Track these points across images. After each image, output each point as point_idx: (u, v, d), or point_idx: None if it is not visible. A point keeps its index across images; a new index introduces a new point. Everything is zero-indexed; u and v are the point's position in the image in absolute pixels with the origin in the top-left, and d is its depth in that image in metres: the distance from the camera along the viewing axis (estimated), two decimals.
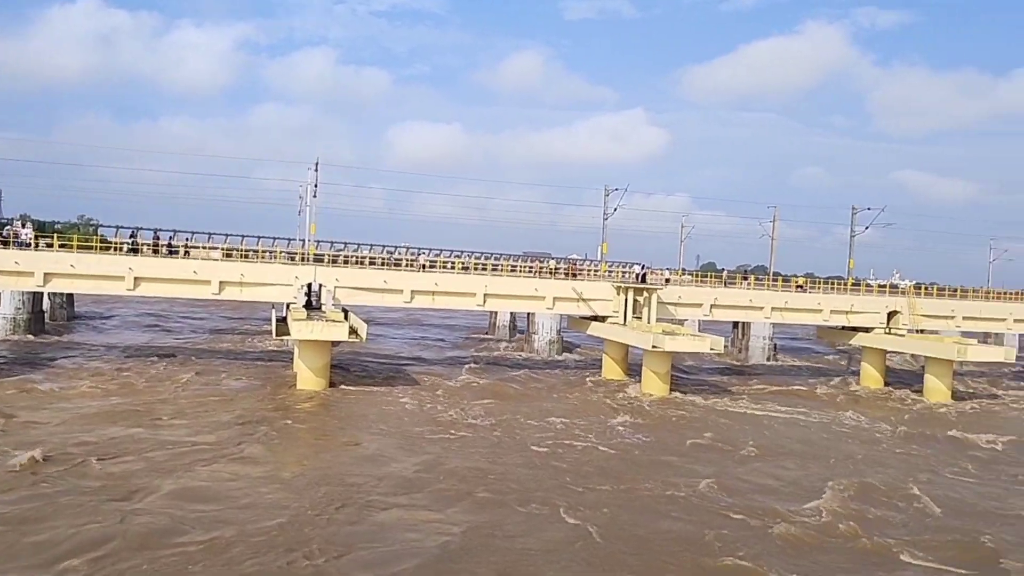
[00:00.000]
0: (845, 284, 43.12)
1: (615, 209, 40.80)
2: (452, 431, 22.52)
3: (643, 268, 40.13)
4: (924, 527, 15.88)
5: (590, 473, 18.59)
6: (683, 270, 48.81)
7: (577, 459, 19.93)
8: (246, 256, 35.18)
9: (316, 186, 35.28)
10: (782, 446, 22.99)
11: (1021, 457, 22.97)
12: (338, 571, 12.19)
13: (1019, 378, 43.58)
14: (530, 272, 40.30)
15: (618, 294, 35.35)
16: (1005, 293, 46.44)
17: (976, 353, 35.34)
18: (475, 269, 39.97)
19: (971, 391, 37.44)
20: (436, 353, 43.46)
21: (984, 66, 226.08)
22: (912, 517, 16.60)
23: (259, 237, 46.65)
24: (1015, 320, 42.04)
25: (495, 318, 55.47)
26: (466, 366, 36.85)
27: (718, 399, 30.73)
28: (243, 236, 47.57)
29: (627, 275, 41.35)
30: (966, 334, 42.35)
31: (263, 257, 36.66)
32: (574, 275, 39.02)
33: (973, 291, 45.14)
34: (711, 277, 43.57)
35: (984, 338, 47.02)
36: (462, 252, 55.71)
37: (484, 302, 34.56)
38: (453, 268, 39.48)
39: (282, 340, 36.04)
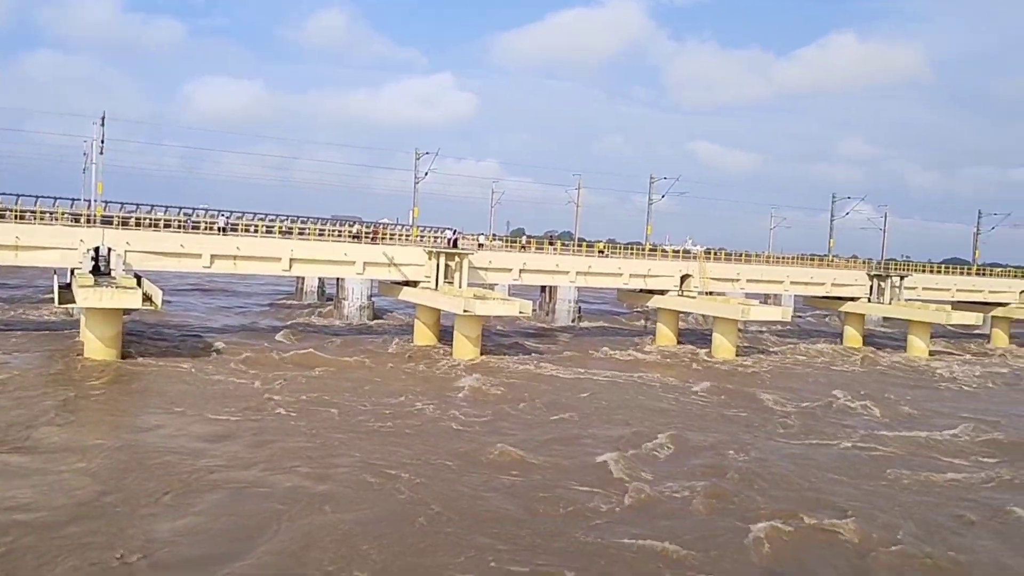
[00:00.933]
0: (643, 249, 49.71)
1: (426, 174, 43.80)
2: (260, 406, 23.17)
3: (455, 233, 43.76)
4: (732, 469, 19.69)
5: (406, 441, 20.32)
6: (494, 235, 53.37)
7: (398, 428, 21.65)
8: (22, 217, 33.82)
9: (103, 142, 34.89)
10: (581, 404, 26.33)
11: (795, 404, 29.16)
12: (153, 568, 11.92)
13: (795, 335, 52.87)
14: (339, 236, 42.71)
15: (430, 259, 37.72)
16: (783, 257, 55.40)
17: (758, 313, 42.48)
18: (280, 233, 41.46)
19: (754, 348, 45.17)
20: (240, 320, 43.68)
21: (768, 46, 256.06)
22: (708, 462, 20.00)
23: (37, 197, 44.72)
24: (792, 282, 50.44)
25: (303, 284, 56.73)
26: (273, 334, 37.69)
27: (528, 362, 33.97)
28: (17, 196, 45.30)
29: (439, 240, 44.95)
30: (750, 295, 50.53)
31: (42, 218, 35.55)
32: (375, 238, 41.08)
33: (756, 256, 53.65)
34: (518, 243, 48.49)
35: (765, 299, 55.93)
36: (266, 215, 56.35)
37: (290, 267, 35.63)
38: (256, 232, 40.72)
39: (67, 309, 35.73)
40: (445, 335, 37.88)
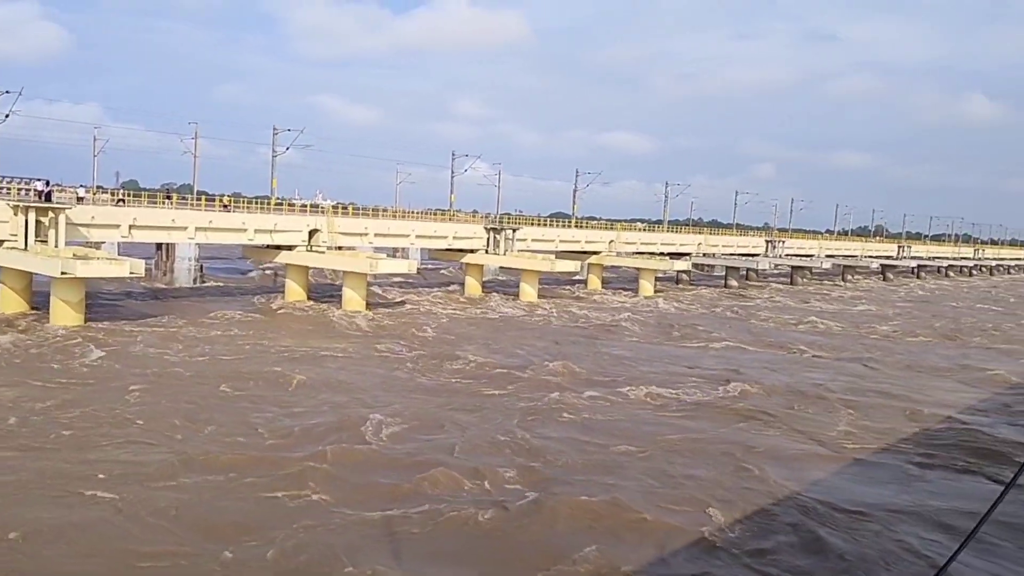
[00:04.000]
0: (270, 203, 51.16)
1: (7, 116, 40.26)
2: None
3: (47, 185, 40.78)
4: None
5: None
6: (98, 188, 50.35)
7: None
8: None
9: None
10: (178, 372, 27.58)
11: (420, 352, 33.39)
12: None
13: (421, 285, 58.68)
14: None
15: (16, 215, 34.90)
16: (410, 212, 60.88)
17: (386, 266, 46.26)
18: None
19: (385, 300, 49.39)
20: None
21: (384, 2, 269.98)
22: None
23: None
24: (417, 236, 55.63)
25: None
26: None
27: (144, 328, 33.28)
28: None
29: (27, 193, 41.54)
30: (379, 249, 54.87)
31: None
32: None
33: (383, 210, 58.22)
34: (126, 196, 46.63)
35: (393, 253, 61.00)
36: None
37: None
38: None
39: None
40: (42, 301, 35.81)
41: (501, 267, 61.86)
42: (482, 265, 57.18)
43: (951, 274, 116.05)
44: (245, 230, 44.53)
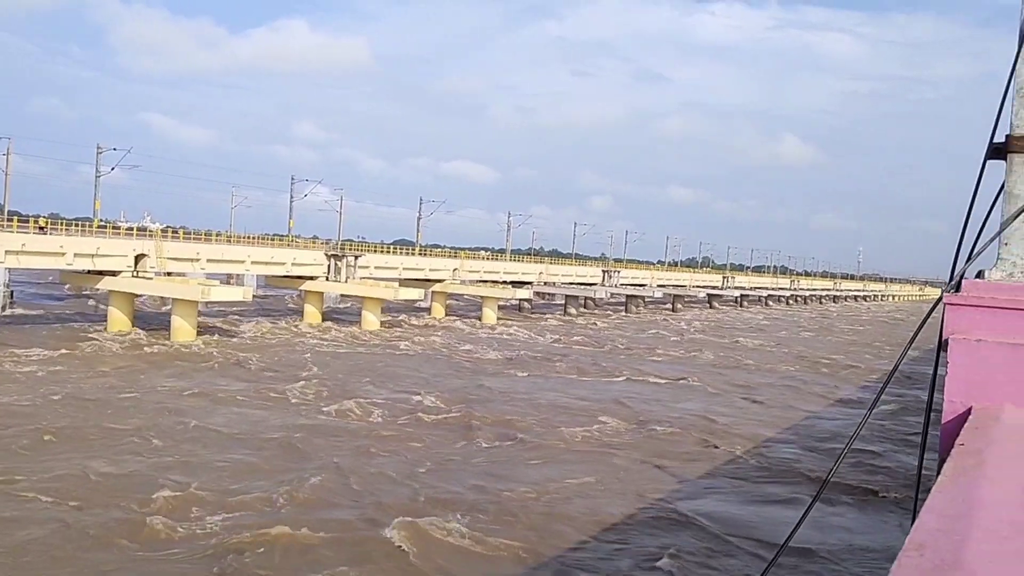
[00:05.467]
0: (92, 226, 48.59)
1: None
2: None
3: None
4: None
5: None
6: None
7: None
8: None
9: None
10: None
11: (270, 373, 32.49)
12: None
13: (257, 314, 57.28)
14: None
15: None
16: (245, 237, 59.58)
17: (219, 293, 45.09)
18: None
19: (216, 328, 47.83)
20: None
21: (220, 20, 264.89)
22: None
23: None
24: (253, 262, 54.54)
25: None
26: None
27: None
28: None
29: None
30: (212, 276, 53.16)
31: None
32: None
33: (217, 235, 56.64)
34: None
35: (228, 279, 59.38)
36: None
37: None
38: None
39: None
40: None
41: (343, 295, 61.44)
42: (322, 293, 56.60)
43: (770, 303, 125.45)
44: (63, 254, 42.05)
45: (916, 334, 3.84)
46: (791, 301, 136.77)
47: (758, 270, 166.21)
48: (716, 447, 23.69)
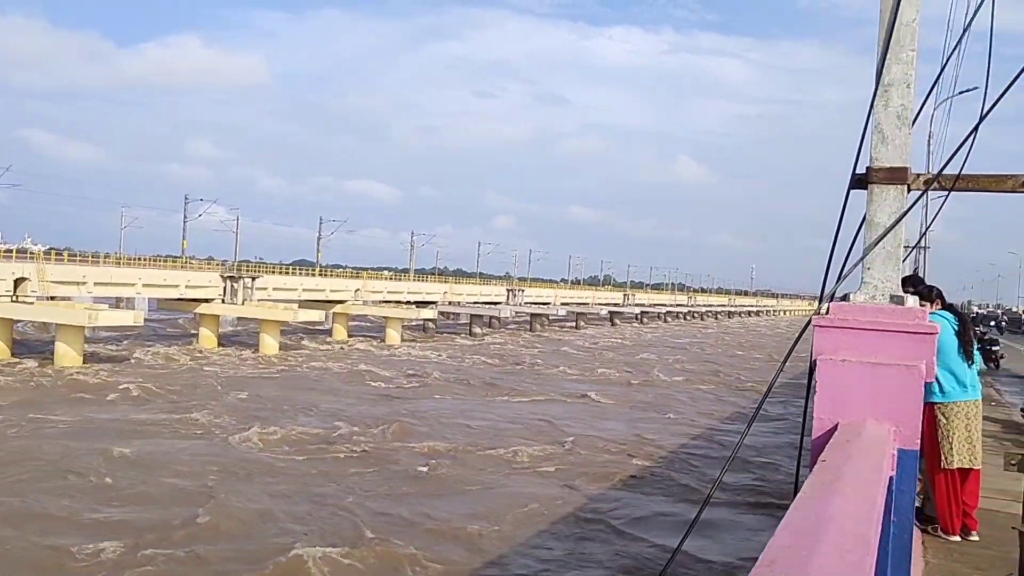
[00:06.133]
0: None
1: None
2: None
3: None
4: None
5: None
6: None
7: None
8: None
9: None
10: None
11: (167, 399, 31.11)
12: None
13: (149, 339, 55.18)
14: None
15: None
16: (136, 259, 57.35)
17: (107, 318, 43.25)
18: None
19: (104, 355, 45.80)
20: None
21: (107, 33, 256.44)
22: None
23: None
24: (145, 285, 52.52)
25: None
26: None
27: None
28: None
29: None
30: (100, 299, 50.94)
31: None
32: None
33: (105, 256, 54.31)
34: None
35: (117, 303, 56.97)
36: None
37: None
38: None
39: None
40: None
41: (239, 317, 59.84)
42: (218, 316, 54.99)
43: (669, 319, 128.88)
44: None
45: (788, 354, 4.07)
46: (689, 317, 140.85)
47: (657, 287, 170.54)
48: (649, 464, 23.92)
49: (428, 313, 67.74)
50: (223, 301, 54.26)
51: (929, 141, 40.25)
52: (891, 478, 3.21)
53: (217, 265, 61.20)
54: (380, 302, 67.38)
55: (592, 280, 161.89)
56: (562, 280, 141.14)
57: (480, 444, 25.35)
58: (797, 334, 4.06)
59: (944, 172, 4.11)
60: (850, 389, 3.45)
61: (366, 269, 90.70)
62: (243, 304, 54.40)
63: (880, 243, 3.92)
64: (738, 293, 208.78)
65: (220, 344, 53.10)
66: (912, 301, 3.87)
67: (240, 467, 21.59)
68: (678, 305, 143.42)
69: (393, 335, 62.79)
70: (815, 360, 3.60)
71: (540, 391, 39.30)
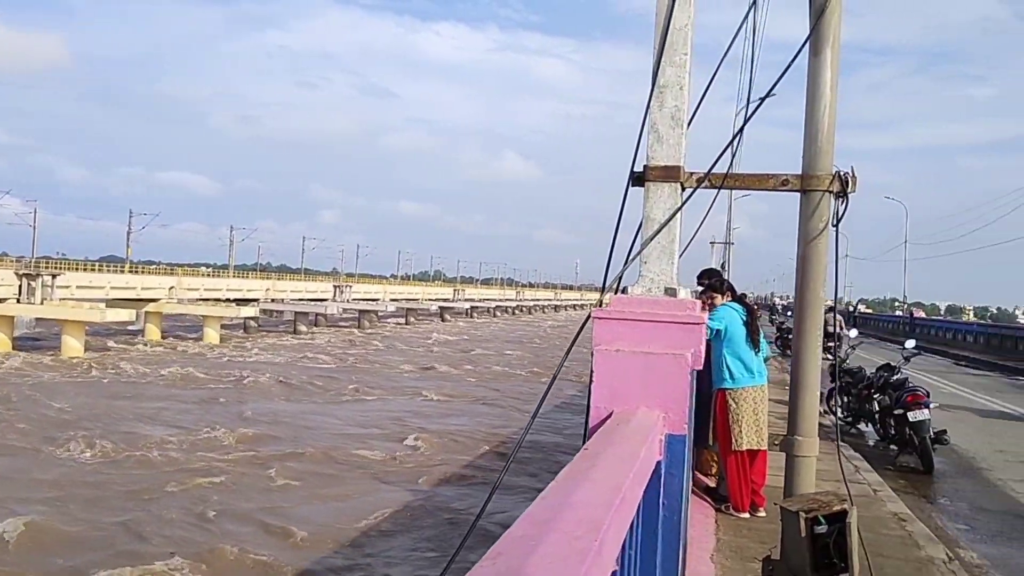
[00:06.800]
0: None
1: None
2: None
3: None
4: None
5: None
6: None
7: None
8: None
9: None
10: None
11: None
12: None
13: None
14: None
15: None
16: None
17: None
18: None
19: None
20: None
21: None
22: None
23: None
24: None
25: None
26: None
27: None
28: None
29: None
30: None
31: None
32: None
33: None
34: None
35: None
36: None
37: None
38: None
39: None
40: None
41: (38, 318, 55.11)
42: (13, 317, 50.41)
43: (498, 314, 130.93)
44: None
45: (572, 345, 4.18)
46: (517, 311, 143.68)
47: (487, 282, 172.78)
48: (494, 456, 23.81)
49: (249, 311, 65.15)
50: (19, 301, 49.81)
51: (733, 144, 43.11)
52: (659, 463, 3.35)
53: (12, 262, 55.91)
54: (197, 300, 64.15)
55: (422, 275, 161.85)
56: (391, 276, 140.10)
57: (318, 445, 24.48)
58: (578, 327, 4.18)
59: (714, 172, 4.35)
60: (624, 378, 3.57)
61: (182, 265, 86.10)
62: (42, 304, 50.17)
63: (655, 238, 4.10)
64: (564, 287, 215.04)
65: (15, 348, 48.70)
66: (684, 293, 4.08)
67: (51, 481, 19.91)
68: (507, 300, 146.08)
69: (212, 334, 59.87)
70: (593, 351, 3.71)
71: (375, 389, 38.50)
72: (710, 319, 8.57)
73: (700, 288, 9.22)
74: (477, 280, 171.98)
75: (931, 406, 13.34)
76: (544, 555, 1.62)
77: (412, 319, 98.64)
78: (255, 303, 69.67)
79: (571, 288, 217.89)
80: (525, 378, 46.03)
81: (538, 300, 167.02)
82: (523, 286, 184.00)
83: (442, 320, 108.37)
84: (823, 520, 3.78)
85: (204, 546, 15.09)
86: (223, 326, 62.79)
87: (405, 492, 19.93)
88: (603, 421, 3.46)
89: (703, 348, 3.85)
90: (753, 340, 8.73)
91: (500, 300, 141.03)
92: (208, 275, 78.59)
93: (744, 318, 8.76)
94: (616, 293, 4.25)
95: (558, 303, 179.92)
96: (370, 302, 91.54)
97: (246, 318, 67.18)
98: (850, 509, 3.82)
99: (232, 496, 19.02)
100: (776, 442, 7.01)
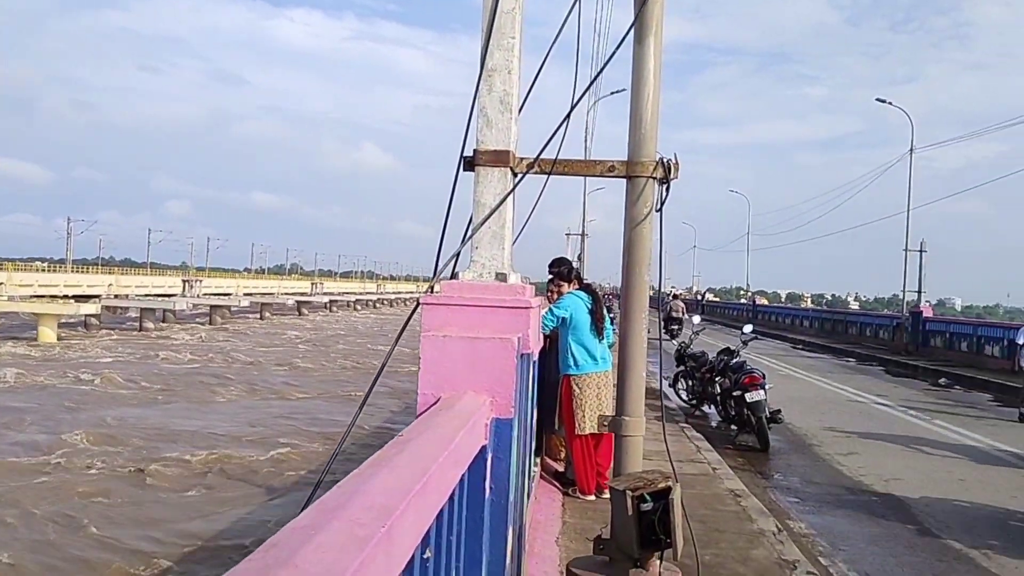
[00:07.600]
0: None
1: None
2: None
3: None
4: None
5: None
6: None
7: None
8: None
9: None
10: None
11: None
12: None
13: None
14: None
15: None
16: None
17: None
18: None
19: None
20: None
21: None
22: None
23: None
24: None
25: None
26: None
27: None
28: None
29: None
30: None
31: None
32: None
33: None
34: None
35: None
36: None
37: None
38: None
39: None
40: None
41: None
42: None
43: (359, 307, 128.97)
44: None
45: (400, 334, 4.09)
46: (379, 304, 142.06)
47: (346, 276, 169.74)
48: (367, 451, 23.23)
49: (89, 308, 61.18)
50: None
51: (586, 135, 44.42)
52: (484, 447, 3.32)
53: None
54: (30, 297, 59.66)
55: (278, 269, 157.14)
56: (245, 269, 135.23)
57: (232, 451, 22.92)
58: (407, 316, 4.10)
59: (543, 158, 4.36)
60: (452, 363, 3.52)
61: (13, 260, 79.88)
62: None
63: (486, 224, 4.07)
64: (426, 280, 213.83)
65: None
66: (515, 278, 4.07)
67: None
68: (367, 293, 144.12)
69: (48, 333, 55.73)
70: (420, 337, 3.64)
71: (255, 387, 36.76)
72: (555, 307, 8.71)
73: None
74: (336, 273, 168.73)
75: (767, 387, 14.08)
76: (320, 544, 1.54)
77: (267, 314, 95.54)
78: (97, 299, 65.50)
79: None
80: (388, 372, 45.29)
81: (400, 293, 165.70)
82: (384, 279, 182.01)
83: (299, 315, 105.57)
84: (648, 497, 3.87)
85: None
86: (61, 324, 58.58)
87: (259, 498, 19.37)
88: (430, 407, 3.41)
89: (534, 333, 3.86)
90: (598, 328, 8.92)
91: (360, 293, 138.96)
92: (43, 270, 73.28)
93: (589, 306, 8.94)
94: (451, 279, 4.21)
95: (420, 295, 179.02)
96: (223, 297, 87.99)
97: (87, 315, 63.04)
98: (674, 486, 3.93)
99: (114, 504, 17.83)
100: (605, 423, 7.19)
